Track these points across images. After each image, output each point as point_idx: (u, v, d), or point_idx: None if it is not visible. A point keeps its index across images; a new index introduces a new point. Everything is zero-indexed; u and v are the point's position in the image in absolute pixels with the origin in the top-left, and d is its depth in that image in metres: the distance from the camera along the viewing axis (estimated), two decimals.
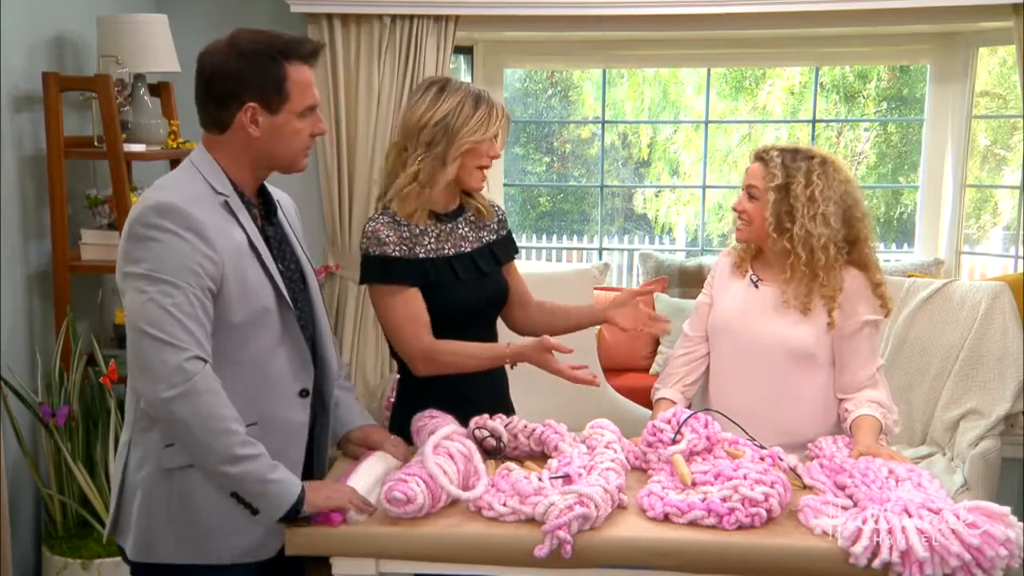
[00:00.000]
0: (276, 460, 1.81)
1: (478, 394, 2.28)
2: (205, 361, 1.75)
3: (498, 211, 2.45)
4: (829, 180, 2.27)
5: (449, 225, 2.32)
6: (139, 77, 3.31)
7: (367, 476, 1.96)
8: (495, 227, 2.41)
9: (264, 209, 2.00)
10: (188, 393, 1.72)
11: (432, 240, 2.28)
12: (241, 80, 1.84)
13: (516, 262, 2.50)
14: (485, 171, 2.30)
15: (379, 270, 2.24)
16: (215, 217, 1.83)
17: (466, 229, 2.35)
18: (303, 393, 1.96)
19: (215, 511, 1.83)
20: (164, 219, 1.77)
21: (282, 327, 1.91)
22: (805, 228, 2.24)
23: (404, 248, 2.25)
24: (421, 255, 2.26)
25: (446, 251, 2.30)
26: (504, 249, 2.43)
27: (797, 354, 2.31)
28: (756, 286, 2.38)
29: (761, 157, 2.33)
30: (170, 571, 1.87)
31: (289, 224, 2.08)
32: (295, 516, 1.80)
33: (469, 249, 2.34)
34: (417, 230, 2.26)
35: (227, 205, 1.87)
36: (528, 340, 2.26)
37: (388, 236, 2.24)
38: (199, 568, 1.87)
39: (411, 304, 2.24)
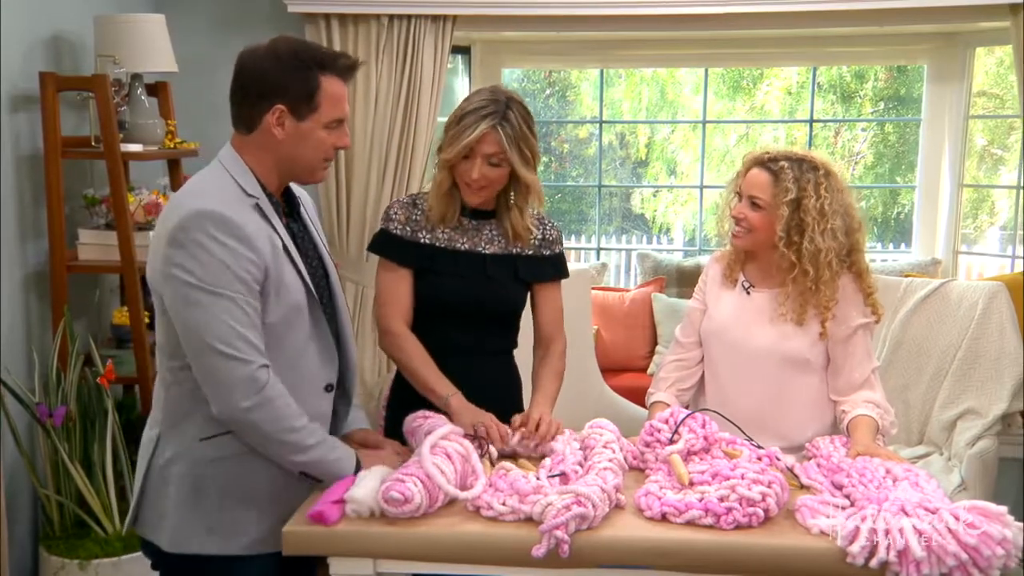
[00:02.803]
0: None
1: (481, 396, 2.21)
2: (268, 367, 1.84)
3: (547, 232, 2.36)
4: (834, 192, 2.25)
5: (476, 222, 2.32)
6: (136, 77, 3.30)
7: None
8: (534, 243, 2.35)
9: (287, 207, 2.03)
10: (263, 402, 1.83)
11: (445, 230, 2.30)
12: (274, 83, 1.87)
13: None
14: (471, 187, 2.23)
15: (378, 243, 2.34)
16: (251, 220, 1.86)
17: (495, 233, 2.33)
18: (328, 388, 2.02)
19: (254, 499, 1.92)
20: (209, 226, 1.80)
21: (312, 324, 1.96)
22: (815, 243, 2.22)
23: (407, 229, 2.30)
24: (424, 240, 2.29)
25: (458, 245, 2.31)
26: (532, 268, 2.35)
27: (791, 360, 2.31)
28: (748, 292, 2.38)
29: (768, 167, 2.27)
30: (201, 562, 1.92)
31: (311, 220, 2.11)
32: None
33: (487, 251, 2.32)
34: (435, 216, 2.29)
35: (258, 207, 1.90)
36: (476, 411, 2.15)
37: (396, 214, 2.32)
38: (226, 559, 1.92)
39: (396, 283, 2.30)
